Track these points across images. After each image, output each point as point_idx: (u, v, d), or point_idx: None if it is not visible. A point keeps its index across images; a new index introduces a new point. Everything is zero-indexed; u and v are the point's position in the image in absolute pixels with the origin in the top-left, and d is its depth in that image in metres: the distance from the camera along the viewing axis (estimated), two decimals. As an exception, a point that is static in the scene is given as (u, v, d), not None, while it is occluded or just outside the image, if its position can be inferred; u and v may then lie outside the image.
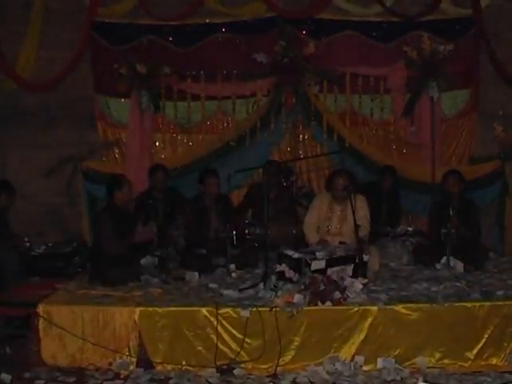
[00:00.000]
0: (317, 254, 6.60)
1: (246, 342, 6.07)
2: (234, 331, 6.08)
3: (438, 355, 6.11)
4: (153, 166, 9.01)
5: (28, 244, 8.49)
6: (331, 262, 6.52)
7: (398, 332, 6.11)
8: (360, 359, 6.05)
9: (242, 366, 6.05)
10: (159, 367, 6.10)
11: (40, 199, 10.00)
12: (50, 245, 8.73)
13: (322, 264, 6.47)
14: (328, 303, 6.06)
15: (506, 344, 6.17)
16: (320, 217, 7.74)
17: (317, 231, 7.74)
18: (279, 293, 6.15)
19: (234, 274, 7.30)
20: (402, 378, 5.86)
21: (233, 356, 6.07)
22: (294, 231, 8.51)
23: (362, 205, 7.45)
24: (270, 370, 6.05)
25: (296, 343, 6.10)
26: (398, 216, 9.51)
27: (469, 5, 9.55)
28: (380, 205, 9.18)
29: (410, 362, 6.08)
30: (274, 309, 6.02)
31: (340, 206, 7.66)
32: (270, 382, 5.88)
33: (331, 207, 7.71)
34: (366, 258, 6.68)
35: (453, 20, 9.74)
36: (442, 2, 9.52)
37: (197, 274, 7.23)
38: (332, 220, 7.68)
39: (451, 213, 7.39)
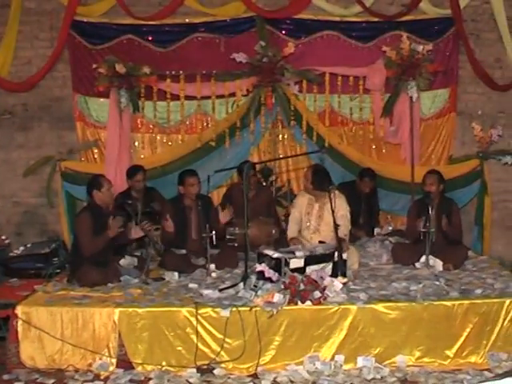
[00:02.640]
0: (296, 253, 6.62)
1: (226, 342, 6.06)
2: (214, 331, 6.07)
3: (417, 354, 6.15)
4: (131, 167, 8.97)
5: (7, 242, 8.46)
6: (310, 260, 6.56)
7: (378, 331, 6.14)
8: (340, 358, 6.07)
9: (223, 365, 6.04)
10: (139, 368, 6.08)
11: (18, 199, 9.98)
12: (28, 245, 8.72)
13: (300, 262, 6.51)
14: (308, 303, 6.07)
15: (484, 342, 6.22)
16: (301, 213, 7.80)
17: (299, 226, 7.80)
18: (259, 292, 6.16)
19: (213, 274, 7.29)
20: (381, 377, 5.89)
21: (213, 356, 6.06)
22: (274, 231, 8.53)
23: (341, 204, 7.48)
24: (250, 369, 6.05)
25: (276, 343, 6.10)
26: (376, 216, 9.58)
27: (448, 5, 9.58)
28: (359, 205, 9.23)
29: (389, 361, 6.11)
30: (254, 308, 6.03)
31: (318, 204, 7.75)
32: (250, 381, 5.88)
33: (310, 204, 7.78)
34: (344, 256, 6.71)
35: (432, 20, 9.79)
36: (421, 2, 9.55)
37: (176, 274, 7.23)
38: (311, 217, 7.76)
39: (430, 212, 7.42)
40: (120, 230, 7.11)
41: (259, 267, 6.49)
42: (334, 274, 6.53)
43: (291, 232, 7.82)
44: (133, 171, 8.79)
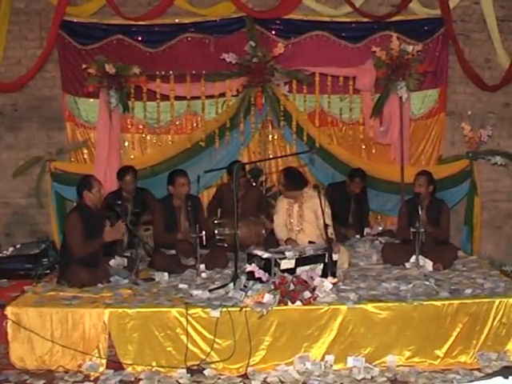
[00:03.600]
0: (286, 253, 6.62)
1: (217, 343, 6.05)
2: (204, 332, 6.06)
3: (407, 353, 6.15)
4: (122, 168, 8.91)
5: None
6: (300, 261, 6.56)
7: (368, 331, 6.14)
8: (330, 358, 6.06)
9: (213, 366, 6.03)
10: (129, 368, 6.06)
11: (8, 200, 9.95)
12: (18, 246, 8.68)
13: (291, 263, 6.50)
14: (298, 303, 6.07)
15: (474, 342, 6.23)
16: (284, 216, 7.82)
17: (286, 229, 7.82)
18: (249, 293, 6.14)
19: (203, 275, 7.28)
20: (372, 377, 5.88)
21: (203, 356, 6.05)
22: (264, 231, 8.53)
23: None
24: (240, 370, 6.04)
25: (266, 343, 6.09)
26: (366, 216, 9.59)
27: (437, 5, 9.60)
28: (348, 205, 9.26)
29: (379, 361, 6.11)
30: (244, 309, 6.01)
31: (297, 204, 7.78)
32: (240, 382, 5.87)
33: (290, 206, 7.81)
34: (335, 257, 6.73)
35: (421, 20, 9.81)
36: (410, 2, 9.57)
37: (166, 274, 7.21)
38: (292, 218, 7.77)
39: (420, 212, 7.43)
40: (117, 237, 7.13)
41: (249, 267, 6.48)
42: (324, 274, 6.53)
43: (283, 235, 7.82)
44: (123, 172, 8.71)
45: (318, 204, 7.21)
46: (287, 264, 6.49)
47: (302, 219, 7.74)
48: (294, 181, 7.70)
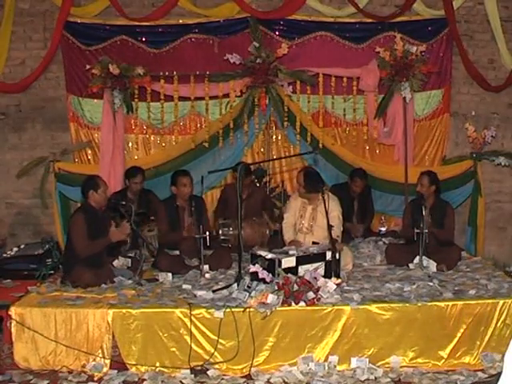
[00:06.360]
0: (290, 253, 6.63)
1: (220, 343, 6.06)
2: (207, 332, 6.07)
3: (411, 354, 6.15)
4: (131, 168, 8.92)
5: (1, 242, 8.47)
6: (302, 259, 6.57)
7: (372, 332, 6.14)
8: (334, 359, 6.07)
9: (216, 366, 6.05)
10: (133, 369, 6.08)
11: (12, 200, 9.94)
12: (22, 246, 8.68)
13: (292, 261, 6.50)
14: (301, 303, 6.07)
15: (478, 343, 6.23)
16: (295, 216, 7.81)
17: (294, 229, 7.81)
18: (253, 293, 6.15)
19: (207, 275, 7.29)
20: (375, 378, 5.90)
21: (207, 357, 6.06)
22: (268, 232, 8.53)
23: (333, 205, 7.48)
24: (244, 370, 6.05)
25: (270, 344, 6.10)
26: (369, 216, 9.58)
27: (441, 6, 9.59)
28: (352, 206, 9.26)
29: (383, 362, 6.12)
30: (248, 309, 6.03)
31: (311, 206, 7.77)
32: (244, 382, 5.89)
33: (303, 206, 7.79)
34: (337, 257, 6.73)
35: (425, 21, 9.78)
36: (414, 3, 9.56)
37: (170, 275, 7.22)
38: (304, 219, 7.77)
39: (424, 213, 7.42)
40: (123, 237, 7.13)
41: (253, 268, 6.48)
42: (327, 275, 6.53)
43: (289, 236, 7.83)
44: (132, 172, 8.72)
45: (331, 208, 7.21)
46: (288, 262, 6.49)
47: (314, 222, 7.74)
48: (314, 183, 7.63)
